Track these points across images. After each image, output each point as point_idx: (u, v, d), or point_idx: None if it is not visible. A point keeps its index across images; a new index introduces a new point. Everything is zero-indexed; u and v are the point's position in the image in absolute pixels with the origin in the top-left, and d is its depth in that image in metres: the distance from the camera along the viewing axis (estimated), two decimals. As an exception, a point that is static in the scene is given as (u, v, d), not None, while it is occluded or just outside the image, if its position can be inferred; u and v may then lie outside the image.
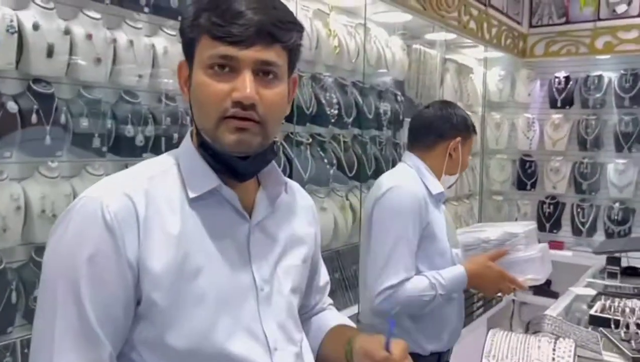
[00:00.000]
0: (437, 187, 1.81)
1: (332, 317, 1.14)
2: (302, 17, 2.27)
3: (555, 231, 4.12)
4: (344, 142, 2.65)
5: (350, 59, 2.56)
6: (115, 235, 0.80)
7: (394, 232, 1.67)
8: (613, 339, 1.92)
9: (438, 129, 1.80)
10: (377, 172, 2.83)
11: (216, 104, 0.83)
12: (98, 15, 1.57)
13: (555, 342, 1.68)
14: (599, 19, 3.80)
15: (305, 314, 1.14)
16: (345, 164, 2.61)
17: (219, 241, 0.88)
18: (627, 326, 1.93)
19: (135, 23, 1.68)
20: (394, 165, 2.93)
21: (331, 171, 2.51)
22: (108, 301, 0.80)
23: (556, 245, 4.09)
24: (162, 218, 0.84)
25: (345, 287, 2.58)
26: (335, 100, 2.48)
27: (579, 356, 1.77)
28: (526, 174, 4.18)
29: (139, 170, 0.90)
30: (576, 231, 4.01)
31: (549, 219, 4.12)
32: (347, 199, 2.69)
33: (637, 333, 1.86)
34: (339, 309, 2.36)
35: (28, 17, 1.41)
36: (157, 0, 1.70)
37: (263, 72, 0.84)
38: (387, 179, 1.80)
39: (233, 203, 0.90)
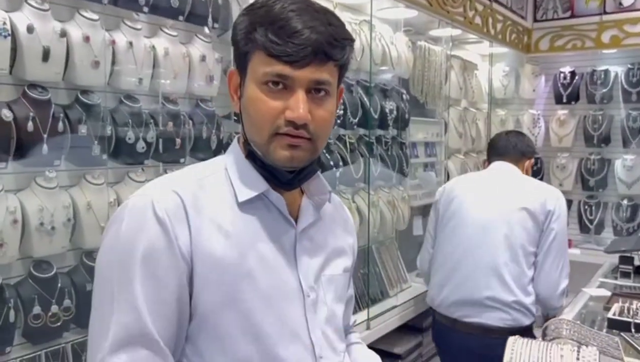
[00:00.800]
0: None
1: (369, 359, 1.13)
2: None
3: (562, 229, 4.06)
4: (350, 142, 2.57)
5: (355, 57, 2.48)
6: (167, 229, 0.81)
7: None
8: (635, 344, 1.86)
9: (522, 150, 2.46)
10: (383, 173, 2.76)
11: (269, 121, 0.85)
12: (95, 16, 1.50)
13: (578, 351, 1.62)
14: (605, 13, 3.72)
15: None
16: (351, 165, 2.54)
17: (268, 245, 0.90)
18: (650, 331, 1.87)
19: (134, 24, 1.60)
20: (400, 165, 2.88)
21: (337, 173, 2.43)
22: (163, 297, 0.80)
23: (563, 243, 4.03)
24: (212, 218, 0.85)
25: (355, 292, 2.51)
26: (341, 101, 2.41)
27: (601, 363, 1.71)
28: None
29: (188, 173, 0.92)
30: (584, 229, 3.95)
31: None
32: (354, 201, 2.62)
33: (659, 337, 1.80)
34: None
35: (22, 19, 1.33)
36: (157, 2, 1.62)
37: (315, 90, 0.85)
38: (547, 191, 2.34)
39: (280, 208, 0.92)
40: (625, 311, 2.11)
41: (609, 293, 2.50)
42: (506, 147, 2.43)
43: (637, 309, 2.09)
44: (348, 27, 2.41)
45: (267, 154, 0.87)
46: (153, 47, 1.64)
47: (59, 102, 1.46)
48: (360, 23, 2.55)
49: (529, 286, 2.20)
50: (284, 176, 0.89)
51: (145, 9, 1.59)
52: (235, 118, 1.85)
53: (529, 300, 2.19)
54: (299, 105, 0.83)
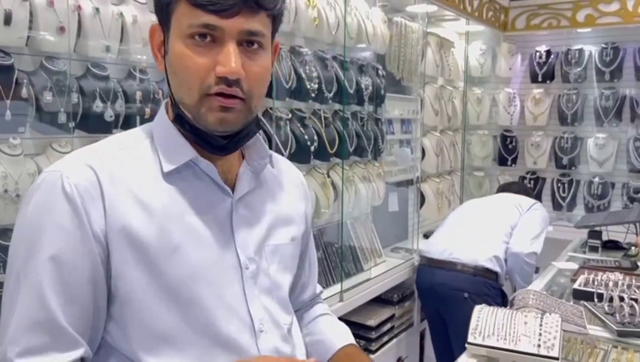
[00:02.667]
0: None
1: (337, 329, 1.10)
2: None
3: (536, 206, 4.13)
4: (325, 117, 2.57)
5: (330, 31, 2.47)
6: (77, 207, 0.76)
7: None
8: (597, 313, 1.92)
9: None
10: (358, 149, 2.78)
11: (199, 80, 0.78)
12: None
13: (541, 318, 1.66)
14: (581, -8, 3.76)
15: (301, 309, 1.10)
16: (327, 140, 2.54)
17: (199, 217, 0.84)
18: (611, 299, 1.93)
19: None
20: (375, 141, 2.91)
21: (312, 148, 2.43)
22: (72, 281, 0.75)
23: (537, 220, 4.11)
24: (132, 193, 0.80)
25: (328, 266, 2.53)
26: (315, 75, 2.40)
27: (564, 331, 1.76)
28: (507, 150, 4.17)
29: (108, 144, 0.85)
30: (557, 206, 4.03)
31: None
32: (329, 176, 2.63)
33: (621, 306, 1.85)
34: (323, 289, 2.32)
35: (-19, -19, 1.30)
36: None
37: (247, 42, 0.79)
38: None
39: (212, 176, 0.86)
40: (590, 282, 2.17)
41: (576, 266, 2.57)
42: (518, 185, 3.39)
43: (601, 280, 2.16)
44: (323, 1, 2.41)
45: (197, 117, 0.81)
46: (121, 15, 1.61)
47: (22, 68, 1.43)
48: (336, -4, 2.54)
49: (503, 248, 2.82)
50: (218, 141, 0.83)
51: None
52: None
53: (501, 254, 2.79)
54: (230, 59, 0.77)
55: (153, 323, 0.80)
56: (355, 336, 2.58)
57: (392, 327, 2.78)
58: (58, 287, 0.75)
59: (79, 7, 1.50)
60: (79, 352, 0.76)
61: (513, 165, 4.19)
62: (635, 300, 1.88)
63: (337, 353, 1.02)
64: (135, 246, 0.79)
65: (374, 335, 2.62)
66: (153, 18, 1.68)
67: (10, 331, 0.74)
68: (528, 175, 4.14)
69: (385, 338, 2.72)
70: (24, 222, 0.77)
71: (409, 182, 3.39)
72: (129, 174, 0.81)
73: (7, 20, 1.33)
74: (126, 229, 0.78)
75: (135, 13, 1.65)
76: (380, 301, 2.75)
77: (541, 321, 1.64)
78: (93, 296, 0.77)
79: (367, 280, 2.60)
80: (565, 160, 3.98)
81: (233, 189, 0.89)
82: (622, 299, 1.90)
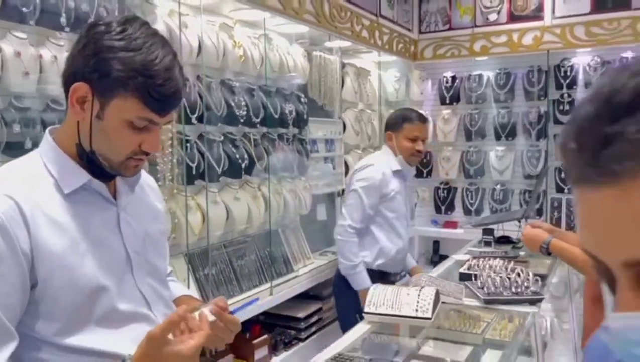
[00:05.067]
0: (395, 166, 2.84)
1: (181, 287, 1.40)
2: (208, 30, 2.59)
3: (449, 212, 4.68)
4: (254, 139, 2.99)
5: (255, 66, 2.91)
6: (8, 233, 0.94)
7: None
8: (471, 288, 2.40)
9: (385, 128, 2.97)
10: (285, 166, 3.20)
11: (129, 150, 1.04)
12: (24, 35, 1.83)
13: (420, 290, 2.12)
14: (476, 26, 4.38)
15: None
16: (256, 159, 2.95)
17: (96, 225, 1.07)
18: (483, 277, 2.41)
19: (57, 41, 1.94)
20: (301, 158, 3.34)
21: (243, 165, 2.84)
22: (10, 291, 0.95)
23: (451, 224, 4.65)
24: (45, 212, 1.00)
25: (260, 267, 2.92)
26: (243, 103, 2.82)
27: (445, 302, 2.22)
28: (422, 164, 4.71)
29: (11, 173, 1.04)
30: (467, 211, 4.58)
31: (443, 202, 4.67)
32: (259, 190, 3.03)
33: (488, 281, 2.34)
34: (255, 286, 2.71)
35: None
36: (77, 20, 1.96)
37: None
38: (363, 160, 3.00)
39: (102, 193, 1.10)
40: (473, 267, 2.67)
41: (468, 256, 3.07)
42: None
43: (482, 265, 2.65)
44: (248, 41, 2.84)
45: (115, 169, 1.06)
46: (40, 56, 1.93)
47: (-4, 106, 1.77)
48: (259, 37, 2.98)
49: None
50: (112, 174, 1.08)
51: (67, 29, 1.94)
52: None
53: None
54: (157, 143, 1.06)
55: (72, 311, 1.01)
56: (286, 327, 3.00)
57: (320, 319, 3.19)
58: (1, 298, 0.93)
59: (40, 56, 1.87)
60: (15, 343, 0.97)
61: (428, 177, 4.73)
62: (501, 276, 2.37)
63: (180, 297, 1.32)
64: (56, 255, 0.99)
65: (303, 326, 3.02)
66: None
67: None
68: (441, 186, 4.69)
69: (314, 329, 3.12)
70: None
71: (338, 194, 3.85)
72: (38, 197, 1.00)
73: (-16, 69, 1.69)
74: (46, 244, 0.98)
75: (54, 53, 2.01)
76: (308, 296, 3.16)
77: (420, 292, 2.10)
78: (21, 300, 0.97)
79: (295, 277, 3.01)
80: (472, 171, 4.55)
81: (114, 199, 1.12)
82: (490, 276, 2.39)
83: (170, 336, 0.97)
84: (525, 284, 2.32)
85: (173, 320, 0.97)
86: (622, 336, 0.38)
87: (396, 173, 2.84)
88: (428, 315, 2.00)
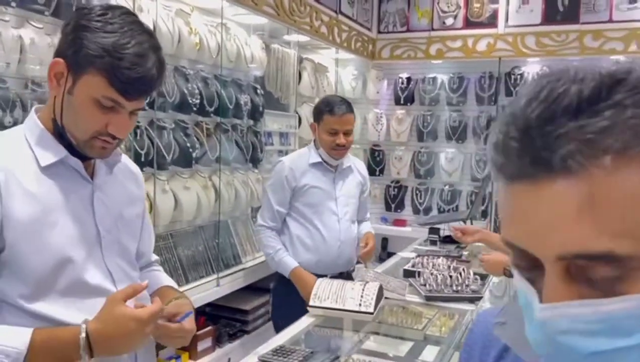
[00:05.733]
0: (313, 158, 2.60)
1: (163, 278, 1.42)
2: (164, 15, 2.54)
3: (399, 211, 4.77)
4: (207, 128, 2.96)
5: (212, 54, 2.87)
6: None
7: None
8: (415, 285, 2.46)
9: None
10: (238, 157, 3.19)
11: (94, 128, 1.06)
12: (7, 18, 1.75)
13: (365, 285, 2.16)
14: (433, 29, 4.47)
15: (142, 269, 1.41)
16: (208, 148, 2.92)
17: (69, 200, 1.10)
18: (426, 275, 2.48)
19: (2, 16, 1.86)
20: (254, 150, 3.33)
21: (194, 154, 2.80)
22: None
23: (400, 222, 4.75)
24: (19, 181, 1.04)
25: (207, 258, 2.90)
26: (197, 91, 2.79)
27: (388, 298, 2.27)
28: (375, 162, 4.78)
29: None
30: (416, 210, 4.69)
31: (394, 201, 4.76)
32: (210, 180, 3.01)
33: (430, 278, 2.41)
34: (202, 277, 2.69)
35: None
36: (58, 4, 1.89)
37: (133, 112, 1.11)
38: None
39: (78, 169, 1.14)
40: (418, 265, 2.74)
41: (413, 254, 3.14)
42: None
43: (426, 263, 2.73)
44: (205, 29, 2.80)
45: (81, 146, 1.08)
46: (20, 37, 1.91)
47: None
48: (217, 25, 2.95)
49: None
50: (86, 155, 1.12)
51: (13, 4, 1.86)
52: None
53: None
54: (123, 127, 1.08)
55: (38, 278, 1.05)
56: (233, 319, 2.99)
57: (267, 312, 3.19)
58: None
59: (-17, 30, 1.79)
60: None
61: (380, 175, 4.81)
62: (443, 274, 2.45)
63: (160, 288, 1.35)
64: (24, 223, 1.03)
65: (249, 318, 3.02)
66: (49, 40, 1.99)
67: None
68: (393, 184, 4.78)
69: (260, 321, 3.13)
70: None
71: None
72: (15, 167, 1.05)
73: None
74: (17, 210, 1.02)
75: (33, 36, 1.95)
76: (255, 288, 3.16)
77: (364, 288, 2.14)
78: None
79: (242, 269, 3.00)
80: (422, 171, 4.65)
81: (92, 178, 1.16)
82: (432, 274, 2.46)
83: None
84: (466, 283, 2.40)
85: (137, 288, 1.03)
86: (552, 326, 0.41)
87: (316, 166, 2.58)
88: (370, 310, 2.05)
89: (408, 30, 4.55)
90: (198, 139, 2.86)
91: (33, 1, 1.91)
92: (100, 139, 1.08)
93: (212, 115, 2.95)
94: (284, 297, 2.61)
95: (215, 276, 2.79)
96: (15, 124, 1.89)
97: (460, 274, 2.45)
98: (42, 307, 1.06)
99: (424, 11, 4.47)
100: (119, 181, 1.25)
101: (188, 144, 2.76)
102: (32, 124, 1.12)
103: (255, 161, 3.37)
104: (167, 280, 1.42)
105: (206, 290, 2.69)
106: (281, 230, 2.63)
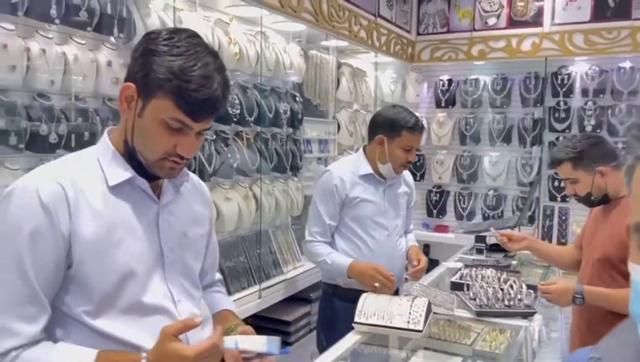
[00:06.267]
0: (365, 170, 2.45)
1: (224, 301, 1.43)
2: (204, 26, 2.53)
3: (441, 216, 4.66)
4: (247, 138, 2.93)
5: (251, 63, 2.85)
6: (51, 214, 1.03)
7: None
8: (464, 299, 2.36)
9: (370, 127, 2.48)
10: (279, 166, 3.15)
11: (163, 150, 1.10)
12: (12, 27, 1.76)
13: (412, 301, 2.08)
14: (474, 30, 4.34)
15: (205, 288, 1.42)
16: (248, 158, 2.90)
17: (135, 219, 1.13)
18: (475, 288, 2.38)
19: (46, 33, 1.87)
20: (294, 158, 3.28)
21: (235, 164, 2.78)
22: (45, 266, 1.03)
23: (442, 228, 4.63)
24: (88, 200, 1.08)
25: (249, 268, 2.87)
26: (237, 101, 2.76)
27: (436, 313, 2.19)
28: (415, 167, 4.68)
29: (67, 161, 1.14)
30: (459, 216, 4.56)
31: (436, 206, 4.65)
32: (251, 190, 2.98)
33: (480, 292, 2.30)
34: (244, 288, 2.66)
35: (-53, 29, 1.58)
36: (67, 12, 1.90)
37: (200, 132, 1.13)
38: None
39: (145, 189, 1.16)
40: (465, 276, 2.64)
41: (460, 264, 3.03)
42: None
43: (474, 275, 2.62)
44: (244, 38, 2.78)
45: (151, 167, 1.12)
46: (64, 54, 1.92)
47: (-21, 99, 1.71)
48: (256, 34, 2.92)
49: None
50: (155, 176, 1.15)
51: (57, 21, 1.87)
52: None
53: None
54: (191, 148, 1.11)
55: (101, 295, 1.07)
56: (274, 330, 2.95)
57: (308, 323, 3.14)
58: (37, 271, 1.02)
59: (27, 49, 1.80)
60: (47, 316, 1.04)
61: (421, 180, 4.70)
62: (494, 288, 2.34)
63: (220, 312, 1.36)
64: (91, 241, 1.06)
65: (291, 329, 2.98)
66: (91, 56, 1.99)
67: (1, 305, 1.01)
68: (434, 189, 4.66)
69: (302, 332, 3.08)
70: (3, 222, 1.02)
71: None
72: (85, 186, 1.09)
73: (-32, 60, 1.62)
74: (84, 228, 1.05)
75: (76, 52, 1.96)
76: (296, 299, 3.11)
77: (412, 303, 2.06)
78: (54, 276, 1.05)
79: (284, 280, 2.96)
80: (465, 176, 4.52)
81: (159, 198, 1.19)
82: (482, 287, 2.36)
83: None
84: (518, 296, 2.29)
85: (188, 324, 1.04)
86: None
87: (367, 178, 2.43)
88: (420, 327, 1.96)
89: (449, 32, 4.43)
90: (238, 149, 2.84)
91: (76, 17, 1.91)
92: (170, 160, 1.11)
93: (251, 124, 2.93)
94: (329, 314, 2.50)
95: (257, 288, 2.76)
96: (60, 139, 1.90)
97: (512, 287, 2.34)
98: (104, 324, 1.08)
99: (465, 11, 4.35)
100: (186, 201, 1.27)
101: (229, 155, 2.74)
102: (104, 145, 1.16)
103: (294, 169, 3.33)
104: (227, 303, 1.42)
105: (249, 302, 2.66)
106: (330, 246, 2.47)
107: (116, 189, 1.12)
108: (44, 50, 1.84)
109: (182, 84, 1.04)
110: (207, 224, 1.35)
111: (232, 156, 2.77)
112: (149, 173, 1.14)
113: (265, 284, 2.82)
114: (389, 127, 2.38)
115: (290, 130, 3.31)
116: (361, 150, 2.53)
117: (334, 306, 2.45)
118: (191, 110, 1.06)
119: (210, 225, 1.38)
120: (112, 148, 1.15)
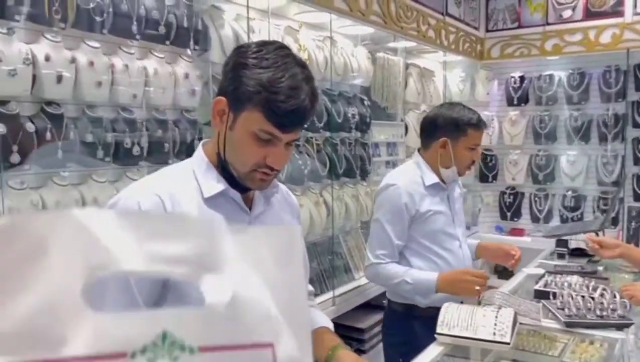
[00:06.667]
0: (430, 179, 2.23)
1: (319, 316, 1.41)
2: (274, 34, 2.54)
3: (515, 219, 4.47)
4: (317, 144, 2.93)
5: (320, 69, 2.84)
6: None
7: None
8: (550, 308, 2.24)
9: (426, 130, 2.28)
10: (348, 170, 3.12)
11: (253, 162, 1.11)
12: (97, 45, 1.82)
13: (498, 311, 1.99)
14: (548, 24, 4.14)
15: None
16: (318, 164, 2.89)
17: None
18: (563, 297, 2.25)
19: (129, 49, 1.93)
20: (362, 163, 3.25)
21: (305, 171, 2.78)
22: (141, 279, 1.04)
23: (517, 232, 4.44)
24: (184, 211, 1.11)
25: (321, 275, 2.86)
26: (307, 107, 2.75)
27: (521, 323, 2.08)
28: (487, 167, 4.52)
29: (164, 174, 1.19)
30: (535, 219, 4.36)
31: (509, 209, 4.47)
32: (321, 196, 2.97)
33: (569, 301, 2.17)
34: (317, 295, 2.65)
35: (40, 50, 1.66)
36: (147, 28, 1.95)
37: (289, 143, 1.14)
38: (387, 177, 2.32)
39: (237, 201, 1.19)
40: (550, 284, 2.50)
41: (542, 271, 2.89)
42: (420, 130, 2.38)
43: (560, 282, 2.48)
44: (312, 44, 2.78)
45: (242, 178, 1.14)
46: (144, 68, 1.97)
47: (69, 115, 1.78)
48: (324, 39, 2.91)
49: None
50: (247, 187, 1.18)
51: (138, 37, 1.92)
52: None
53: None
54: (280, 159, 1.12)
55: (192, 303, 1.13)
56: (348, 337, 2.93)
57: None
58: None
59: (112, 65, 1.86)
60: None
61: (493, 181, 4.54)
62: (583, 297, 2.20)
63: (317, 329, 1.35)
64: None
65: (365, 337, 2.94)
66: (170, 69, 2.03)
67: None
68: (508, 191, 4.49)
69: (375, 340, 3.03)
70: None
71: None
72: (181, 199, 1.12)
73: (59, 79, 1.69)
74: None
75: (156, 66, 2.01)
76: (370, 306, 3.07)
77: (497, 314, 1.96)
78: (150, 289, 1.06)
79: (357, 287, 2.93)
80: (540, 176, 4.32)
81: (250, 209, 1.21)
82: (571, 296, 2.23)
83: None
84: (612, 306, 2.14)
85: None
86: None
87: (433, 187, 2.23)
88: (507, 340, 1.87)
89: (520, 27, 4.25)
90: (308, 155, 2.84)
91: (124, 26, 1.90)
92: (260, 171, 1.12)
93: (321, 130, 2.91)
94: (407, 338, 2.30)
95: (330, 294, 2.74)
96: (142, 151, 1.96)
97: (602, 295, 2.19)
98: None
99: (537, 5, 4.16)
100: (276, 212, 1.28)
101: (300, 161, 2.74)
102: (199, 158, 1.20)
103: (364, 174, 3.29)
104: (322, 318, 1.40)
105: (323, 309, 2.63)
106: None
107: (210, 201, 1.15)
108: (126, 66, 1.89)
109: (270, 96, 1.05)
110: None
111: (303, 162, 2.76)
112: (240, 185, 1.16)
113: (338, 291, 2.79)
114: (453, 128, 2.20)
115: (359, 134, 3.27)
116: (417, 157, 2.32)
117: (412, 328, 2.28)
118: (279, 121, 1.06)
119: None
120: (206, 160, 1.18)
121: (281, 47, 1.12)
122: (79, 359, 0.26)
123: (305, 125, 2.69)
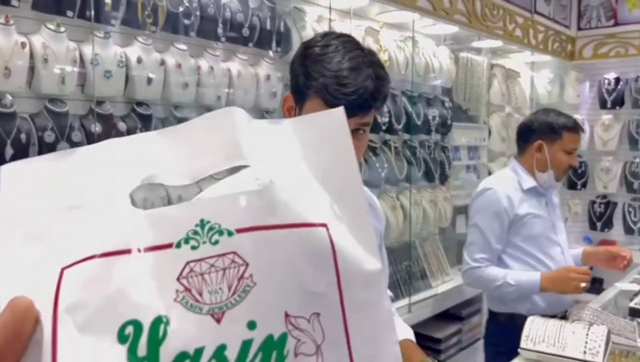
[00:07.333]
0: (528, 183, 2.22)
1: (400, 326, 1.34)
2: (355, 35, 2.52)
3: (606, 230, 4.18)
4: (395, 147, 2.87)
5: (400, 70, 2.78)
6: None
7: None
8: (648, 328, 2.06)
9: (522, 135, 2.28)
10: (427, 174, 3.04)
11: None
12: (185, 47, 1.88)
13: (589, 329, 1.85)
14: (648, 21, 3.84)
15: None
16: (396, 167, 2.83)
17: None
18: (664, 317, 2.06)
19: (214, 51, 1.98)
20: (442, 167, 3.15)
21: (382, 174, 2.73)
22: None
23: (607, 244, 4.14)
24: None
25: (397, 280, 2.80)
26: (386, 109, 2.71)
27: (614, 343, 1.93)
28: (576, 174, 4.25)
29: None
30: (628, 230, 4.05)
31: (600, 218, 4.18)
32: (398, 200, 2.91)
33: (672, 323, 1.99)
34: (392, 301, 2.60)
35: (133, 53, 1.73)
36: (232, 30, 1.99)
37: (357, 129, 1.06)
38: (483, 182, 2.35)
39: None
40: (648, 302, 2.30)
41: (638, 287, 2.67)
42: (516, 136, 2.36)
43: (658, 299, 2.28)
44: (393, 45, 2.73)
45: None
46: (228, 70, 2.01)
47: (157, 115, 1.85)
48: (405, 39, 2.85)
49: None
50: None
51: (223, 39, 1.97)
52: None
53: None
54: (357, 148, 1.02)
55: None
56: (424, 346, 2.83)
57: (459, 341, 2.98)
58: None
59: (198, 67, 1.91)
60: None
61: (583, 189, 4.26)
62: (688, 318, 2.01)
63: (403, 343, 1.27)
64: None
65: (442, 347, 2.84)
66: (252, 71, 2.06)
67: None
68: (598, 200, 4.20)
69: (452, 351, 2.93)
70: None
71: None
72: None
73: (149, 81, 1.76)
74: None
75: (239, 68, 2.04)
76: (447, 315, 2.97)
77: (588, 331, 1.83)
78: None
79: (434, 295, 2.84)
80: (636, 185, 4.01)
81: None
82: (673, 316, 2.04)
83: None
84: None
85: None
86: None
87: (531, 191, 2.22)
88: (599, 360, 1.74)
89: (616, 24, 3.97)
90: (386, 158, 2.79)
91: (210, 29, 1.93)
92: None
93: (399, 132, 2.86)
94: (501, 344, 2.25)
95: (406, 301, 2.67)
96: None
97: None
98: None
99: (637, 0, 3.86)
100: None
101: (377, 164, 2.70)
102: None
103: (443, 178, 3.19)
104: (405, 329, 1.35)
105: (399, 316, 2.59)
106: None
107: None
108: (212, 68, 1.94)
109: (327, 80, 1.01)
110: (378, 238, 1.33)
111: (380, 165, 2.72)
112: None
113: (414, 299, 2.72)
114: (548, 131, 2.20)
115: (439, 137, 3.18)
116: (514, 163, 2.31)
117: (517, 337, 2.21)
118: (337, 104, 1.00)
119: (381, 239, 1.36)
120: None
121: (343, 35, 1.09)
122: (144, 251, 0.28)
123: (383, 126, 2.68)
